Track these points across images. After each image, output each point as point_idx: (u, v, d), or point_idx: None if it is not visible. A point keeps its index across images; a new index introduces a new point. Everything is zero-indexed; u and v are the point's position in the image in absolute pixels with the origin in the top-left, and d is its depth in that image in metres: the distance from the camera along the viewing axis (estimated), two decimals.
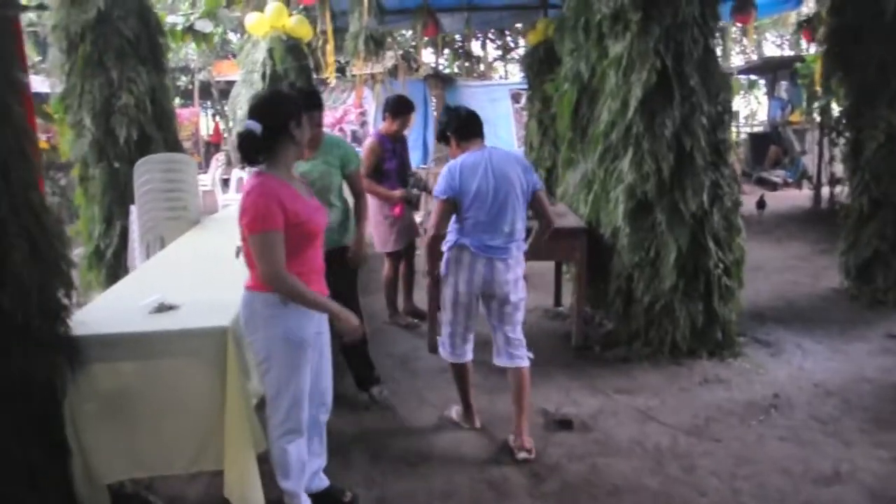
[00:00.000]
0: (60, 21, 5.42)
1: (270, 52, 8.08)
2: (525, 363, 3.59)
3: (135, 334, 2.72)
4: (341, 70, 16.27)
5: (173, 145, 5.81)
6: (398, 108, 5.28)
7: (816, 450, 3.49)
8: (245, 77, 8.42)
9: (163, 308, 2.92)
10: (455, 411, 3.89)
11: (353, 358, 4.10)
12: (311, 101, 3.46)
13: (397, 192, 5.22)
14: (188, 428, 2.79)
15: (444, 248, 3.57)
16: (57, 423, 2.67)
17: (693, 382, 4.33)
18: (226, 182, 11.74)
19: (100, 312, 3.01)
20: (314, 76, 8.60)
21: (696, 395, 4.16)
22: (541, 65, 8.48)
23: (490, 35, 20.29)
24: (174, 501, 3.12)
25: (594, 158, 5.06)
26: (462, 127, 3.60)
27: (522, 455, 3.44)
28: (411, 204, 5.43)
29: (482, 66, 21.89)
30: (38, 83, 9.44)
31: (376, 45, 7.94)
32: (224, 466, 2.77)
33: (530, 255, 3.72)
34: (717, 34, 4.55)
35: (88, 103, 5.41)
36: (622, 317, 4.86)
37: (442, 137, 3.72)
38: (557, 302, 5.89)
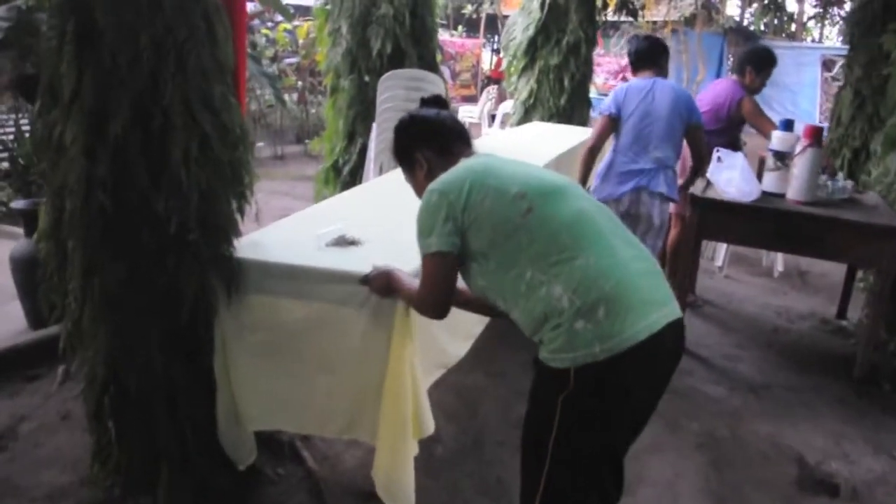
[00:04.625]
0: None
1: None
2: None
3: (298, 268, 2.25)
4: (633, 14, 15.12)
5: (429, 63, 5.37)
6: (764, 63, 4.50)
7: None
8: (525, 4, 7.91)
9: (342, 241, 2.45)
10: None
11: None
12: None
13: None
14: (346, 388, 2.31)
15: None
16: (205, 349, 2.34)
17: None
18: (492, 118, 11.50)
19: (277, 236, 2.60)
20: (597, 15, 7.86)
21: None
22: (873, 20, 6.93)
23: None
24: (327, 462, 2.72)
25: None
26: (637, 58, 3.88)
27: None
28: None
29: (793, 26, 19.43)
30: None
31: None
32: (375, 442, 2.28)
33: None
34: None
35: (347, 10, 5.14)
36: None
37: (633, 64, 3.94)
38: (841, 314, 4.72)
